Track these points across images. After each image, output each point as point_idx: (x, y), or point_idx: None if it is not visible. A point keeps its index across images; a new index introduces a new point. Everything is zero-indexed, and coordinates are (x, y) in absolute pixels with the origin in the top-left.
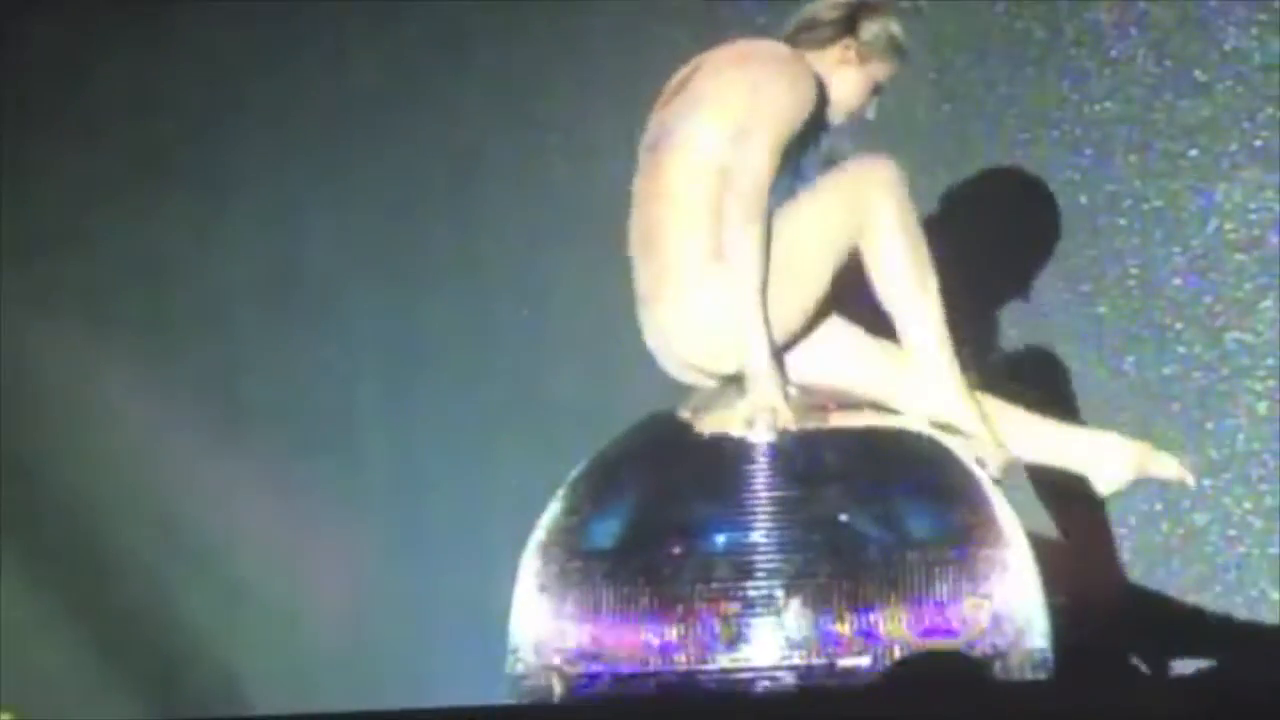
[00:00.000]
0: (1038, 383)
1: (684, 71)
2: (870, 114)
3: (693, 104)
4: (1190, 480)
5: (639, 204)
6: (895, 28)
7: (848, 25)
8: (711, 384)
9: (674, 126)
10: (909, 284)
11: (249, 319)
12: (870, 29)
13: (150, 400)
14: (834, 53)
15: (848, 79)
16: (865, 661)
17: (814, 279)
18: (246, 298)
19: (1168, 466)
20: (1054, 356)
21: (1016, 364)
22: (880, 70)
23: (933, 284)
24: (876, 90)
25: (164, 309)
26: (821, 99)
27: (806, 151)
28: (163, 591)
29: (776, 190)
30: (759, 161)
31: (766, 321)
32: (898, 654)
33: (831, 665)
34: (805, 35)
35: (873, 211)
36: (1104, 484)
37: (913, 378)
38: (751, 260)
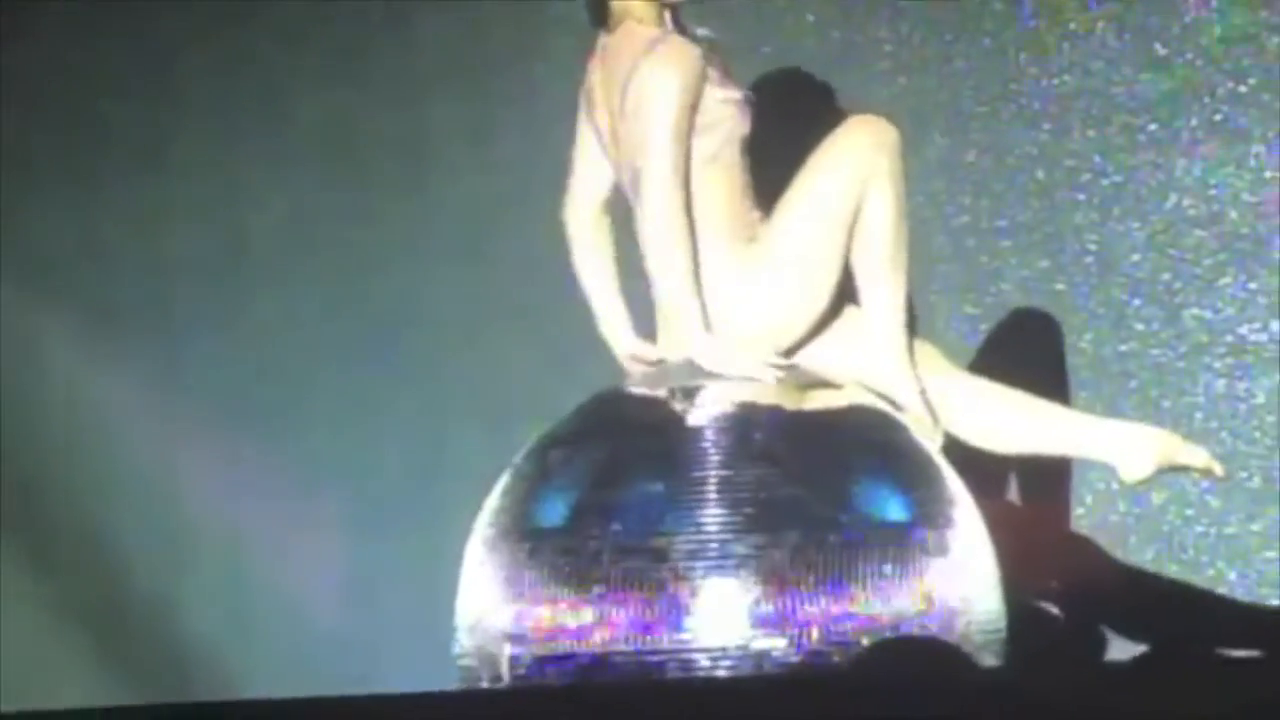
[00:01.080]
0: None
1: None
2: None
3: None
4: (1219, 470)
5: None
6: None
7: None
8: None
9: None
10: (886, 254)
11: (193, 301)
12: None
13: (94, 387)
14: None
15: None
16: (783, 644)
17: (835, 250)
18: (190, 280)
19: (1195, 455)
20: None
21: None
22: None
23: (904, 259)
24: None
25: (107, 293)
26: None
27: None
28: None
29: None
30: (663, 156)
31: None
32: (833, 638)
33: (746, 648)
34: None
35: (874, 175)
36: (1130, 473)
37: (864, 347)
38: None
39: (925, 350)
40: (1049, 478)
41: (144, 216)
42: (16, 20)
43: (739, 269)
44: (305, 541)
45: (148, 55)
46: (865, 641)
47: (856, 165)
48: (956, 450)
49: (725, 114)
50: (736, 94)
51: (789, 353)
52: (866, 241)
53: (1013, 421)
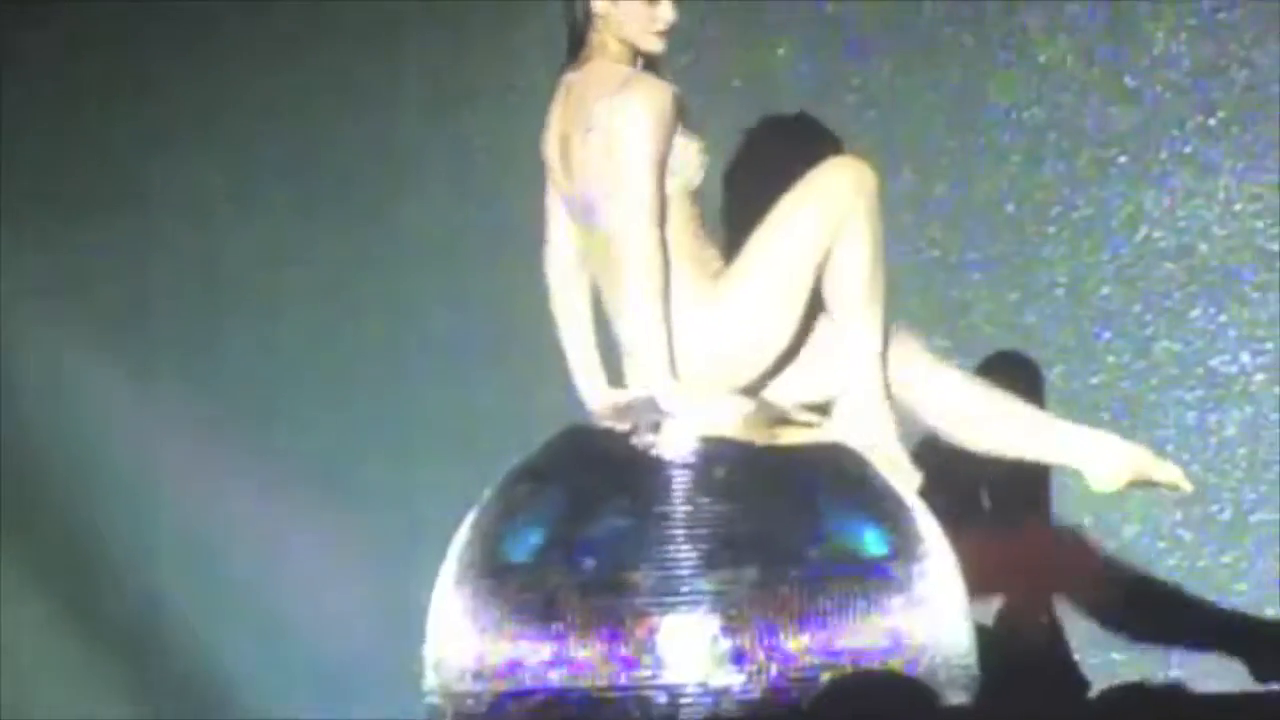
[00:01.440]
0: None
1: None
2: (668, 13)
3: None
4: (1188, 487)
5: None
6: None
7: None
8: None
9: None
10: (861, 295)
11: (167, 322)
12: None
13: (68, 417)
14: (601, 16)
15: (621, 10)
16: (742, 679)
17: (803, 289)
18: (165, 311)
19: (1167, 471)
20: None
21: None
22: None
23: (879, 301)
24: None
25: (83, 323)
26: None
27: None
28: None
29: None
30: (637, 197)
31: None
32: (807, 673)
33: (706, 684)
34: (571, 22)
35: (851, 216)
36: (1100, 483)
37: (839, 388)
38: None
39: (907, 341)
40: (1025, 505)
41: (120, 246)
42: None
43: (702, 303)
44: (275, 571)
45: (126, 84)
46: (826, 678)
47: (833, 206)
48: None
49: (682, 161)
50: (694, 144)
51: (753, 389)
52: (841, 282)
53: (988, 416)
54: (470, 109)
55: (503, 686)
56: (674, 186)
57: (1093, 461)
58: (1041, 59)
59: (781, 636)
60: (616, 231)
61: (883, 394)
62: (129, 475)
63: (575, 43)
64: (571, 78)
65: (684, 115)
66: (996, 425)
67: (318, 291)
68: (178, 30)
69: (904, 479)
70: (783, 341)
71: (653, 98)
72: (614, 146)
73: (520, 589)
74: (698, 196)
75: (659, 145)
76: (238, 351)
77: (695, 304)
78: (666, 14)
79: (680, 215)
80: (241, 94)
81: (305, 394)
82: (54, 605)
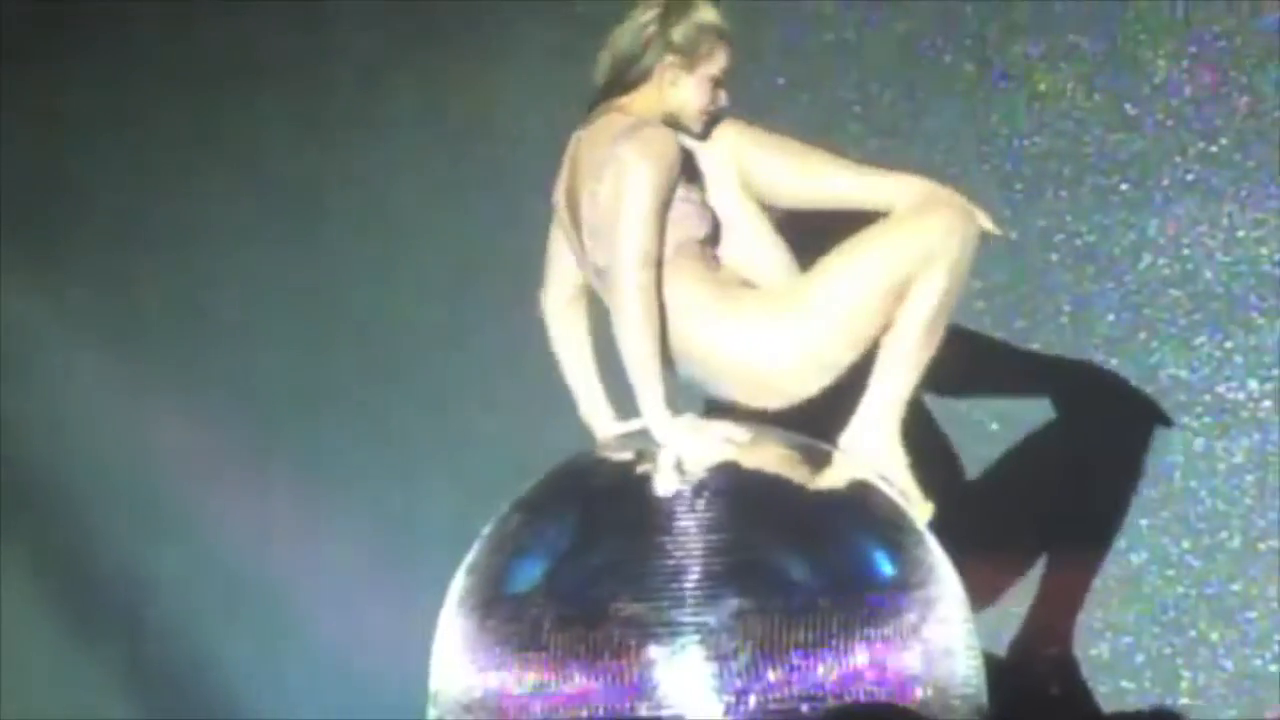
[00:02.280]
0: None
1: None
2: (722, 101)
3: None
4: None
5: None
6: (703, 15)
7: (661, 42)
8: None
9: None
10: (916, 336)
11: (160, 367)
12: (681, 32)
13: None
14: (663, 75)
15: (687, 88)
16: (740, 711)
17: (874, 314)
18: (157, 345)
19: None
20: None
21: None
22: (711, 65)
23: (931, 346)
24: (718, 84)
25: (74, 358)
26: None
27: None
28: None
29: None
30: (634, 239)
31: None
32: (815, 705)
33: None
34: (627, 74)
35: (936, 257)
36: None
37: (857, 416)
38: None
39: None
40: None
41: (111, 283)
42: None
43: (765, 313)
44: (275, 607)
45: (118, 125)
46: (826, 708)
47: (923, 242)
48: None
49: (683, 212)
50: (696, 197)
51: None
52: (903, 318)
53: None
54: (472, 140)
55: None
56: (670, 245)
57: (900, 200)
58: (1043, 87)
59: (780, 668)
60: (609, 274)
61: (895, 427)
62: (131, 492)
63: (610, 91)
64: (582, 133)
65: (687, 168)
66: (802, 177)
67: (313, 329)
68: (172, 75)
69: (915, 510)
70: (845, 360)
71: (655, 144)
72: (613, 191)
73: (505, 621)
74: (705, 247)
75: (658, 192)
76: (228, 381)
77: (752, 315)
78: (721, 100)
79: (690, 262)
80: (236, 128)
81: (301, 432)
82: (55, 605)
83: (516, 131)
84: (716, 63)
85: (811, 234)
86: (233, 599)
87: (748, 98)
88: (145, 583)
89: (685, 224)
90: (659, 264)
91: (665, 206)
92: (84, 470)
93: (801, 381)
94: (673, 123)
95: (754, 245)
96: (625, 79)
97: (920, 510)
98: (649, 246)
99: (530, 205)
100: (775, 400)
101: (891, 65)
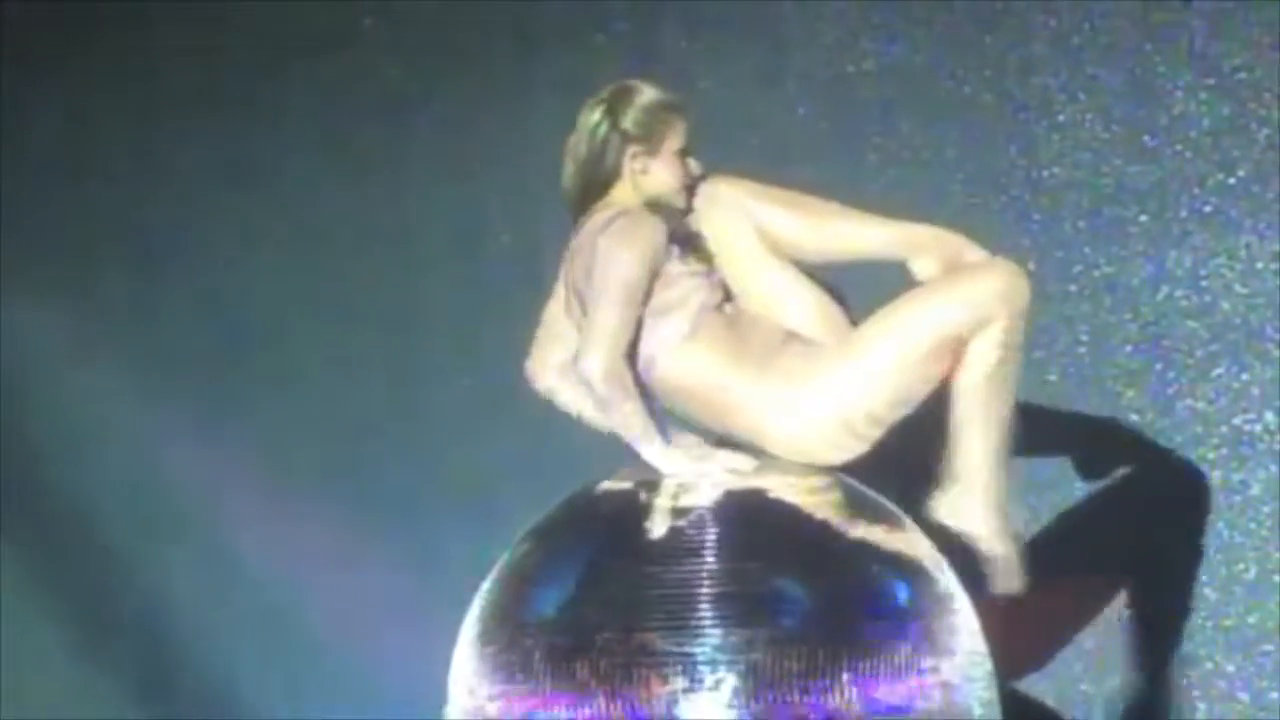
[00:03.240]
0: None
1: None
2: (696, 169)
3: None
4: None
5: None
6: (648, 96)
7: (617, 137)
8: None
9: None
10: (979, 399)
11: (183, 393)
12: (632, 120)
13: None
14: (631, 167)
15: (658, 172)
16: None
17: (924, 373)
18: (180, 373)
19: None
20: None
21: None
22: (673, 141)
23: (1008, 401)
24: (684, 153)
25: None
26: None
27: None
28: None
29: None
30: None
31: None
32: None
33: None
34: (597, 177)
35: (990, 320)
36: (923, 273)
37: (950, 484)
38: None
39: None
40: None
41: (134, 311)
42: (11, 113)
43: (803, 374)
44: (295, 632)
45: (140, 149)
46: None
47: (975, 306)
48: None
49: (690, 287)
50: (700, 267)
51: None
52: (965, 381)
53: (810, 225)
54: (484, 170)
55: None
56: (688, 318)
57: (922, 251)
58: (1061, 118)
59: (797, 695)
60: (581, 355)
61: (986, 492)
62: (147, 508)
63: (592, 193)
64: (583, 221)
65: (686, 240)
66: (820, 232)
67: (332, 352)
68: (184, 96)
69: (1005, 579)
70: (888, 419)
71: (630, 232)
72: (591, 283)
73: (509, 649)
74: (731, 308)
75: (634, 279)
76: (252, 413)
77: (781, 390)
78: (695, 169)
79: (710, 344)
80: (254, 162)
81: (322, 458)
82: (56, 606)
83: (539, 163)
84: (677, 136)
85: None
86: (253, 622)
87: (767, 129)
88: (159, 597)
89: (697, 295)
90: (622, 349)
91: (640, 290)
92: (100, 485)
93: (838, 444)
94: (657, 205)
95: (791, 300)
96: (597, 181)
97: (1012, 580)
98: (614, 333)
99: (553, 238)
100: (821, 461)
101: (910, 96)
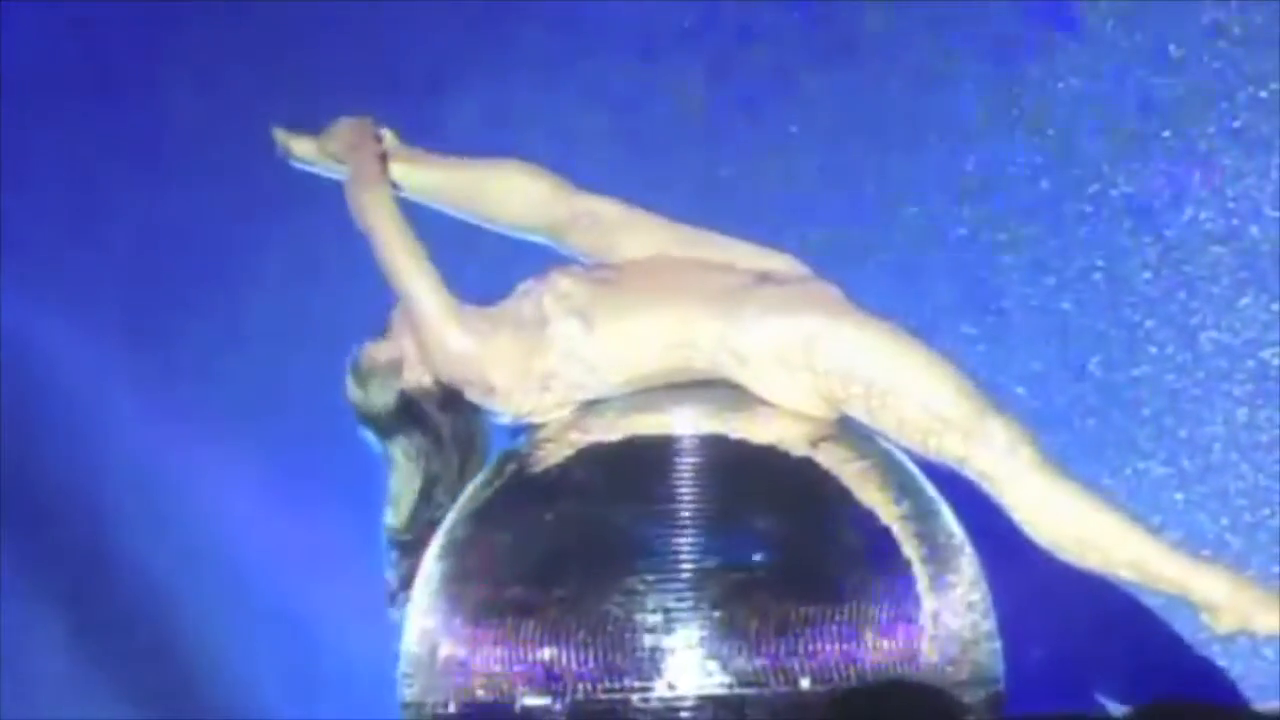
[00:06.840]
0: None
1: None
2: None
3: None
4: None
5: None
6: (358, 390)
7: (386, 396)
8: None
9: None
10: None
11: (190, 387)
12: (378, 395)
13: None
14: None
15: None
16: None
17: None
18: (181, 320)
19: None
20: None
21: None
22: (411, 373)
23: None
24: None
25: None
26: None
27: None
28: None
29: None
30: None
31: None
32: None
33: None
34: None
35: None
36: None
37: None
38: None
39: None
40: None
41: (142, 313)
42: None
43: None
44: (298, 631)
45: (155, 171)
46: (842, 686)
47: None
48: None
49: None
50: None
51: None
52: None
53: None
54: None
55: (477, 697)
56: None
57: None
58: (1080, 25)
59: (783, 646)
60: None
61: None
62: (140, 495)
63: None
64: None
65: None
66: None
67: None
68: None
69: (1229, 627)
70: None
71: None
72: None
73: (486, 600)
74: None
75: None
76: (263, 392)
77: None
78: (424, 380)
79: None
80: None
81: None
82: (56, 607)
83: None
84: (412, 368)
85: None
86: (239, 576)
87: (764, 144)
88: (160, 595)
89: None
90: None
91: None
92: (100, 482)
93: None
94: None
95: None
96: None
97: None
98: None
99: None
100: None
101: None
